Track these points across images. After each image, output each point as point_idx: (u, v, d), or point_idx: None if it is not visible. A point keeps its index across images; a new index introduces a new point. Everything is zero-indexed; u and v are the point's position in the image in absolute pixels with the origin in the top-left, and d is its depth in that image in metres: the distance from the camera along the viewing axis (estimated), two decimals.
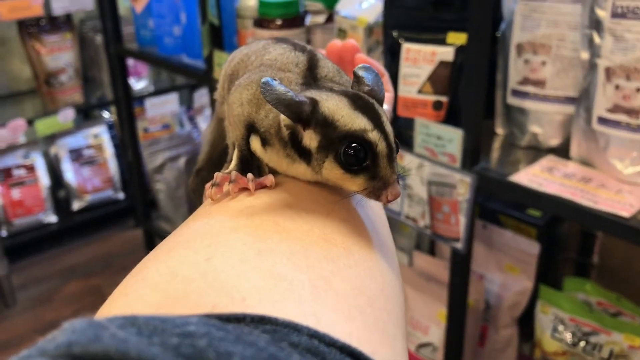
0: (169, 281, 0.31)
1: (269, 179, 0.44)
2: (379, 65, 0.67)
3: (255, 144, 0.46)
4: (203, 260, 0.33)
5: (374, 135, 0.40)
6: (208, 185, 0.44)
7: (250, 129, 0.46)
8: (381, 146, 0.40)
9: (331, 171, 0.41)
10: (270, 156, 0.45)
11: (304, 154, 0.42)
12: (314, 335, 0.28)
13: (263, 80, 0.39)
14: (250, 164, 0.46)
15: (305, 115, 0.41)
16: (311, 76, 0.47)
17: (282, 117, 0.42)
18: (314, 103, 0.41)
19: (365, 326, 0.33)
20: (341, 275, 0.35)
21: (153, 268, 0.33)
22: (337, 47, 0.67)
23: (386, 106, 0.65)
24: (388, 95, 0.67)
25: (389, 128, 0.41)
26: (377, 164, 0.40)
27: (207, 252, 0.34)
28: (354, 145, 0.40)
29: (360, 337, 0.31)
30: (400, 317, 0.39)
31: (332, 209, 0.42)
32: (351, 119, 0.40)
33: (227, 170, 0.45)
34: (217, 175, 0.44)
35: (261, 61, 0.49)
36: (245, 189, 0.43)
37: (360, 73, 0.46)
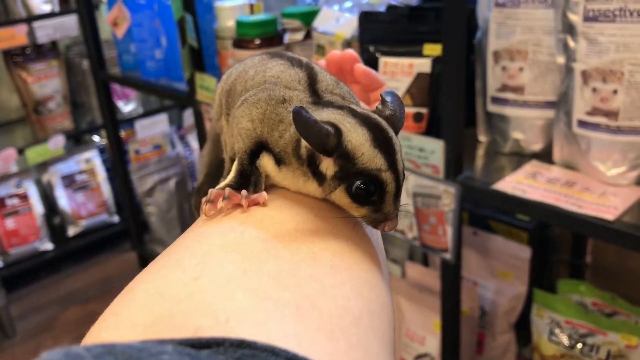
0: (157, 301, 0.32)
1: (262, 196, 0.44)
2: (379, 75, 0.68)
3: (267, 162, 0.46)
4: (190, 280, 0.34)
5: (387, 176, 0.42)
6: (204, 200, 0.45)
7: (260, 146, 0.47)
8: (391, 187, 0.42)
9: (340, 198, 0.43)
10: (285, 175, 0.46)
11: (318, 176, 0.44)
12: (292, 358, 0.28)
13: (295, 109, 0.40)
14: (248, 179, 0.47)
15: (329, 147, 0.41)
16: (313, 92, 0.48)
17: (304, 141, 0.43)
18: (339, 134, 0.42)
19: (348, 347, 0.33)
20: (327, 294, 0.36)
21: (142, 288, 0.34)
22: (336, 57, 0.67)
23: None
24: None
25: (401, 166, 0.43)
26: (383, 201, 0.42)
27: (195, 271, 0.35)
28: (366, 182, 0.42)
29: (342, 358, 0.32)
30: (387, 333, 0.39)
31: (322, 226, 0.43)
32: (370, 157, 0.42)
33: (221, 186, 0.46)
34: (212, 192, 0.45)
35: (264, 77, 0.49)
36: (239, 205, 0.44)
37: (387, 98, 0.47)
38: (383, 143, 0.43)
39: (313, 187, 0.45)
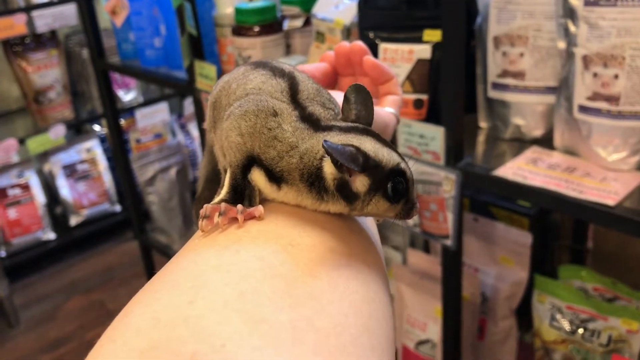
0: (153, 327, 0.32)
1: (259, 210, 0.43)
2: (388, 68, 0.67)
3: (258, 177, 0.46)
4: (186, 304, 0.33)
5: (405, 166, 0.44)
6: (202, 213, 0.44)
7: (252, 160, 0.46)
8: (409, 173, 0.44)
9: (377, 207, 0.44)
10: (286, 194, 0.45)
11: (348, 197, 0.44)
12: None
13: (326, 143, 0.40)
14: (243, 192, 0.46)
15: (362, 163, 0.42)
16: (295, 103, 0.47)
17: (329, 170, 0.43)
18: (359, 149, 0.42)
19: None
20: (324, 313, 0.35)
21: (138, 312, 0.34)
22: (345, 49, 0.67)
23: (392, 110, 0.66)
24: (396, 98, 0.68)
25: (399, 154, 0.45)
26: (408, 189, 0.44)
27: (190, 294, 0.34)
28: (397, 179, 0.43)
29: None
30: (387, 350, 0.39)
31: (320, 238, 0.42)
32: (389, 157, 0.43)
33: (216, 201, 0.45)
34: (207, 207, 0.44)
35: (245, 90, 0.49)
36: (235, 220, 0.43)
37: (351, 96, 0.47)
38: (383, 141, 0.44)
39: (337, 207, 0.44)
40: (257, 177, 0.46)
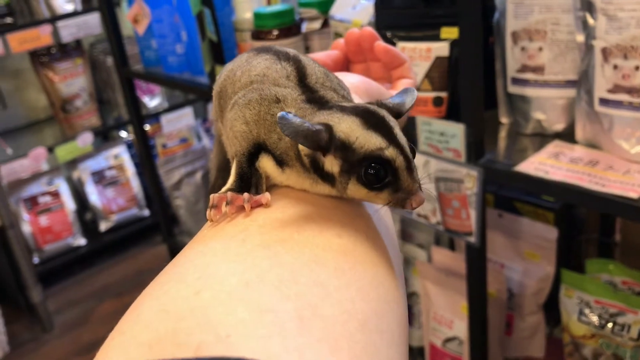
0: (161, 319, 0.32)
1: (265, 197, 0.43)
2: (400, 52, 0.67)
3: (267, 163, 0.46)
4: (192, 295, 0.34)
5: (390, 152, 0.41)
6: (210, 203, 0.44)
7: (259, 148, 0.46)
8: (399, 161, 0.41)
9: (356, 191, 0.42)
10: (289, 176, 0.46)
11: (327, 178, 0.43)
12: None
13: (280, 115, 0.40)
14: (249, 181, 0.46)
15: (324, 142, 0.41)
16: (304, 86, 0.47)
17: (302, 147, 0.43)
18: (329, 129, 0.41)
19: (353, 356, 0.33)
20: (330, 300, 0.35)
21: (147, 305, 0.34)
22: (355, 35, 0.66)
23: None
24: (409, 82, 0.67)
25: (403, 140, 0.42)
26: (398, 178, 0.41)
27: (197, 285, 0.34)
28: (373, 165, 0.41)
29: None
30: (397, 333, 0.38)
31: (326, 225, 0.42)
32: (366, 140, 0.41)
33: (223, 190, 0.45)
34: (214, 197, 0.44)
35: (249, 77, 0.49)
36: (243, 208, 0.43)
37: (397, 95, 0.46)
38: (375, 124, 0.42)
39: (326, 189, 0.44)
40: (266, 162, 0.46)
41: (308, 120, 0.42)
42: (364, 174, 0.41)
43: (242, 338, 0.30)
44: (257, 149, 0.46)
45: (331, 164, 0.42)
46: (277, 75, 0.48)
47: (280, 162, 0.45)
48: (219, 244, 0.40)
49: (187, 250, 0.41)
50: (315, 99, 0.46)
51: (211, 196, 0.44)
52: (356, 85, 0.60)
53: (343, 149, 0.41)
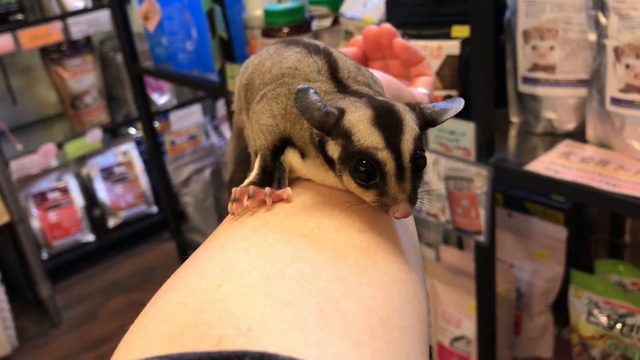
0: (181, 312, 0.32)
1: (287, 192, 0.43)
2: (419, 49, 0.66)
3: (293, 157, 0.46)
4: (213, 288, 0.33)
5: (383, 155, 0.40)
6: (232, 196, 0.44)
7: (285, 142, 0.46)
8: (390, 166, 0.40)
9: (349, 183, 0.42)
10: (309, 167, 0.46)
11: (330, 163, 0.43)
12: None
13: (300, 87, 0.40)
14: (272, 175, 0.46)
15: (329, 125, 0.41)
16: (337, 81, 0.47)
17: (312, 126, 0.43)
18: (341, 114, 0.41)
19: (374, 351, 0.32)
20: (351, 295, 0.35)
21: (167, 297, 0.34)
22: (373, 32, 0.66)
23: (425, 90, 0.64)
24: (428, 79, 0.67)
25: (407, 147, 0.41)
26: (385, 183, 0.41)
27: (217, 278, 0.34)
28: (364, 162, 0.41)
29: None
30: (418, 329, 0.38)
31: (347, 221, 0.42)
32: (365, 135, 0.41)
33: (245, 183, 0.45)
34: (236, 191, 0.44)
35: (280, 69, 0.48)
36: (264, 202, 0.43)
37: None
38: (385, 122, 0.41)
39: (332, 177, 0.44)
40: (292, 157, 0.46)
41: (330, 104, 0.42)
42: (354, 169, 0.41)
43: (263, 332, 0.30)
44: (283, 143, 0.46)
45: (333, 149, 0.43)
46: (309, 70, 0.48)
47: (302, 154, 0.46)
48: (240, 237, 0.40)
49: (208, 244, 0.41)
50: (349, 93, 0.46)
51: (233, 189, 0.44)
52: None
53: (345, 137, 0.41)
